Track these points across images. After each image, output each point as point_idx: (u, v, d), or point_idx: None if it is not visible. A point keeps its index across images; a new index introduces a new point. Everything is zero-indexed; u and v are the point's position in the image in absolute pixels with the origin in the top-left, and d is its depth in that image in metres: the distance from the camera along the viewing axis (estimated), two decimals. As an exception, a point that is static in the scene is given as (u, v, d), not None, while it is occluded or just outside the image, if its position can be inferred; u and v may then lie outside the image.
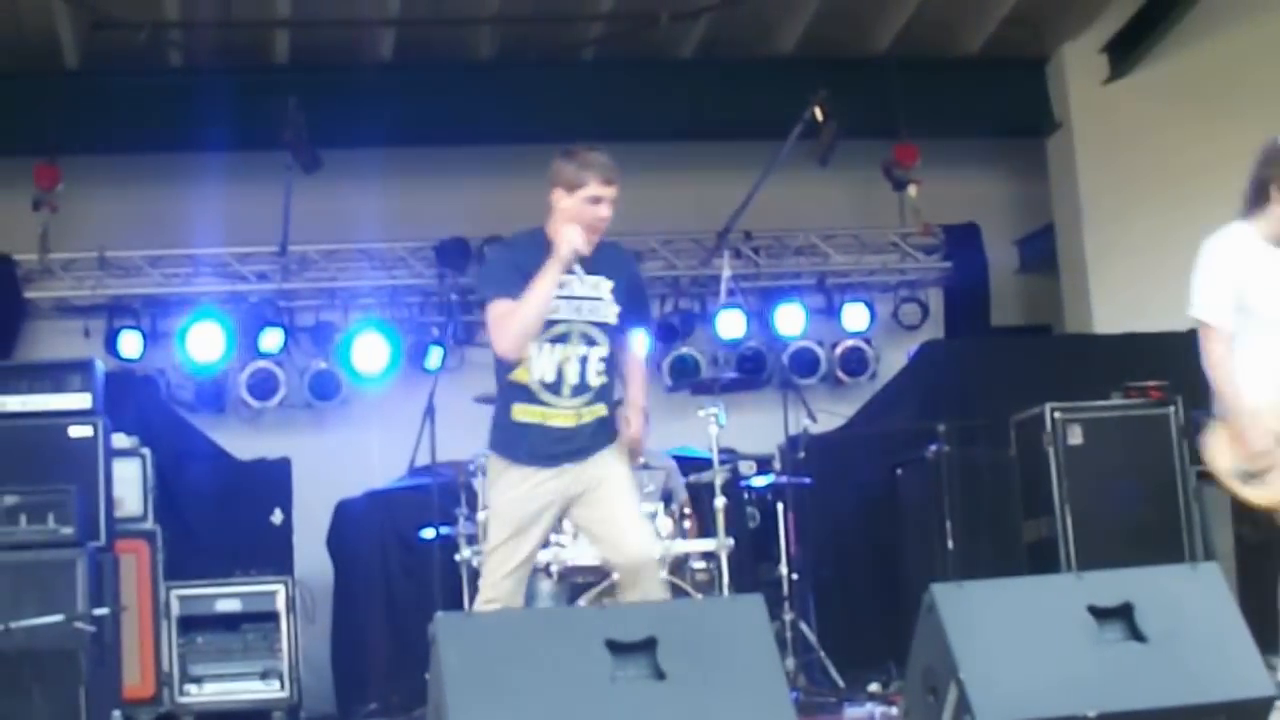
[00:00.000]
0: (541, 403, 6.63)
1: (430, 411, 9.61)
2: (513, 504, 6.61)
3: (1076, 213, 12.93)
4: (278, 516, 11.19)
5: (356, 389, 12.75)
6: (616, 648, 5.11)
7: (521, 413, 6.66)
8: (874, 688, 9.52)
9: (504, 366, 6.70)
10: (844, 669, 10.05)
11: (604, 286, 6.70)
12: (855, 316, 13.41)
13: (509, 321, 6.50)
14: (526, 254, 6.59)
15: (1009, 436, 10.69)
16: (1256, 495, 7.03)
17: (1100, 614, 5.40)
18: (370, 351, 12.52)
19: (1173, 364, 11.07)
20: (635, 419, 6.79)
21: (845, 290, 13.58)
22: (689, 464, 10.41)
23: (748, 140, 12.35)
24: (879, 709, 8.99)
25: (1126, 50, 12.95)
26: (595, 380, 6.66)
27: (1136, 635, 5.39)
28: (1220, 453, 7.04)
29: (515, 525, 6.56)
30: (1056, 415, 10.21)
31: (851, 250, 13.59)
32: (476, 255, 12.73)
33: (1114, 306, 12.58)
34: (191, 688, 10.35)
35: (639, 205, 12.68)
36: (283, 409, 12.68)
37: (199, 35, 12.16)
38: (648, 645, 5.12)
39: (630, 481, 6.77)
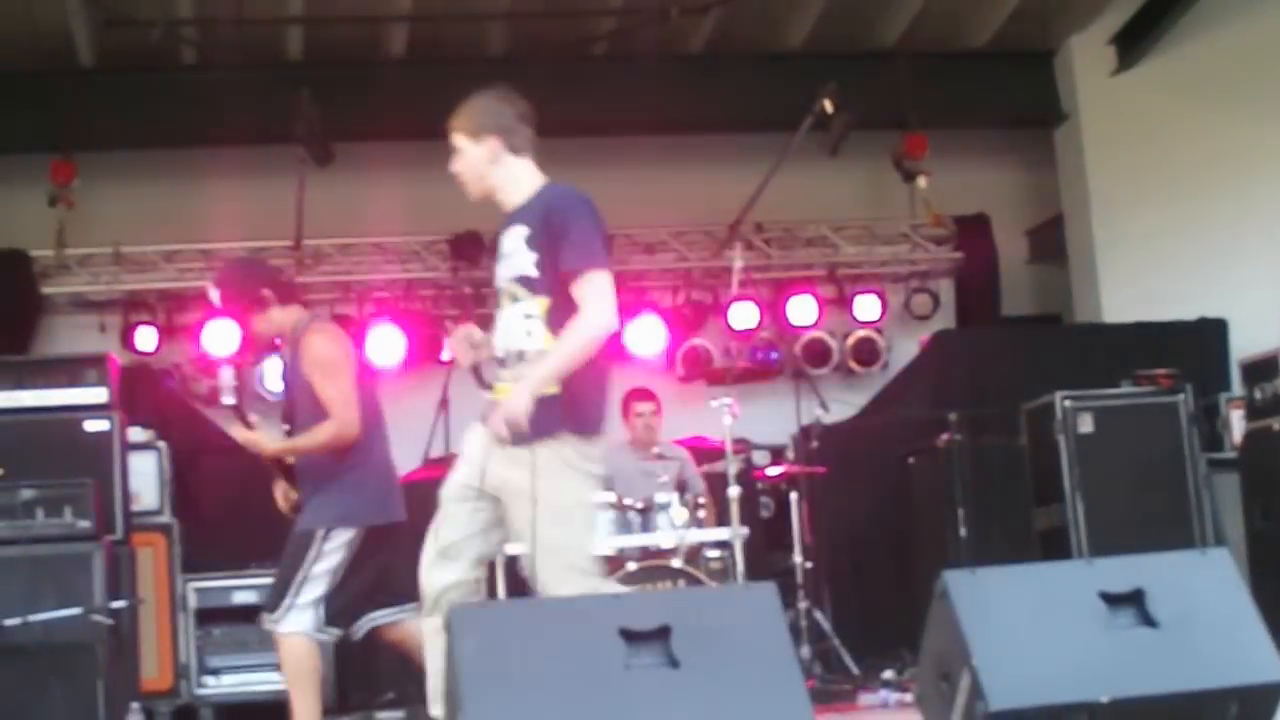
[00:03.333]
0: (499, 379, 5.99)
1: (444, 404, 9.64)
2: None
3: (1085, 203, 12.95)
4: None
5: (371, 382, 12.73)
6: (630, 636, 5.08)
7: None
8: (889, 675, 9.56)
9: None
10: (859, 656, 10.10)
11: (518, 235, 6.10)
12: (867, 307, 13.43)
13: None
14: None
15: (1020, 425, 10.74)
16: None
17: (1111, 600, 5.37)
18: (385, 345, 12.53)
19: (1182, 352, 11.20)
20: (508, 403, 5.71)
21: (856, 281, 13.58)
22: (703, 453, 10.48)
23: (758, 133, 12.40)
24: (894, 696, 9.04)
25: (1134, 42, 12.96)
26: (518, 344, 5.89)
27: (1148, 621, 5.35)
28: None
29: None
30: (1067, 404, 10.26)
31: (862, 241, 13.60)
32: (489, 248, 12.76)
33: (1123, 295, 12.59)
34: (209, 679, 10.38)
35: (651, 198, 12.99)
36: (298, 402, 12.66)
37: (212, 32, 12.20)
38: (661, 634, 5.11)
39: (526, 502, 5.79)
